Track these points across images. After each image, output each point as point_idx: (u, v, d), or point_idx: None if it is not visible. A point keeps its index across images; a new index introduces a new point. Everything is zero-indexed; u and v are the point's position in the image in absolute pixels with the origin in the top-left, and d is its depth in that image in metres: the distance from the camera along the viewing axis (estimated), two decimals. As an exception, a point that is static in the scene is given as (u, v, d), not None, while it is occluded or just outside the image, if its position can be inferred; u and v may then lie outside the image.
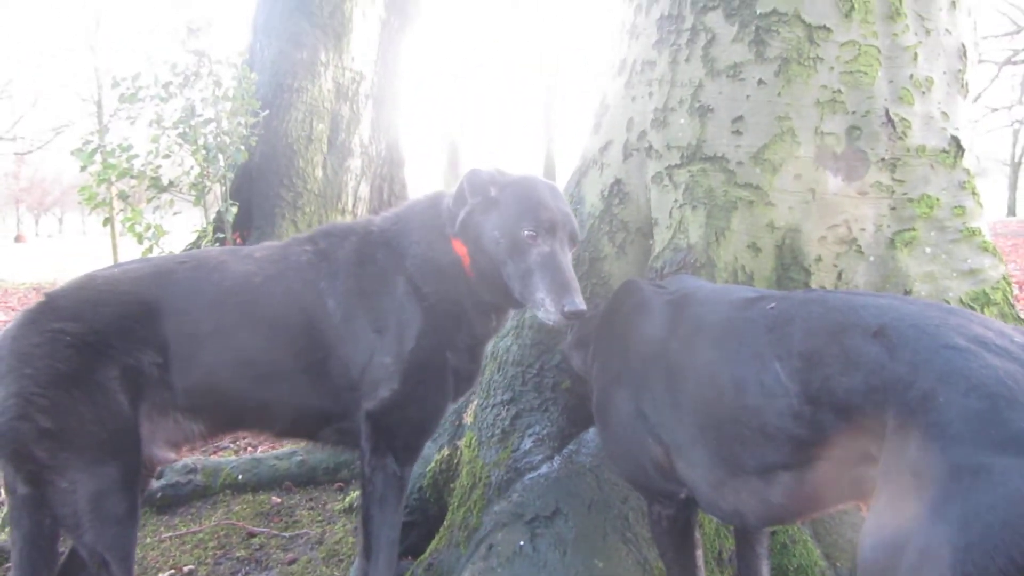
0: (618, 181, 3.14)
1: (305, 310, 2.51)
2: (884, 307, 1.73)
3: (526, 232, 2.35)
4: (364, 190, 9.58)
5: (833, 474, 1.78)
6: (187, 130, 7.78)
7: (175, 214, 8.55)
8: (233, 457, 4.57)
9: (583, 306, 2.26)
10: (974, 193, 2.88)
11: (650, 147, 3.01)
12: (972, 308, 2.79)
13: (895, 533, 1.45)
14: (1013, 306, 2.88)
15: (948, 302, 2.77)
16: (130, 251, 9.18)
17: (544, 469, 2.83)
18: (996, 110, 30.01)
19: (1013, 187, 37.07)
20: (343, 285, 2.54)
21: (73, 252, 30.30)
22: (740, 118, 2.78)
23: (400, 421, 2.53)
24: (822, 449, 1.76)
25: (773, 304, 1.96)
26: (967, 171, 2.85)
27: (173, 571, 3.39)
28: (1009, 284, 2.92)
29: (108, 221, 8.74)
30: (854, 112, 2.72)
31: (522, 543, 2.56)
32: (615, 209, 3.13)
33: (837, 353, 1.71)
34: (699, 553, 2.32)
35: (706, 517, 2.56)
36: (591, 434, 2.87)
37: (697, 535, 2.32)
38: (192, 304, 2.48)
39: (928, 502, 1.40)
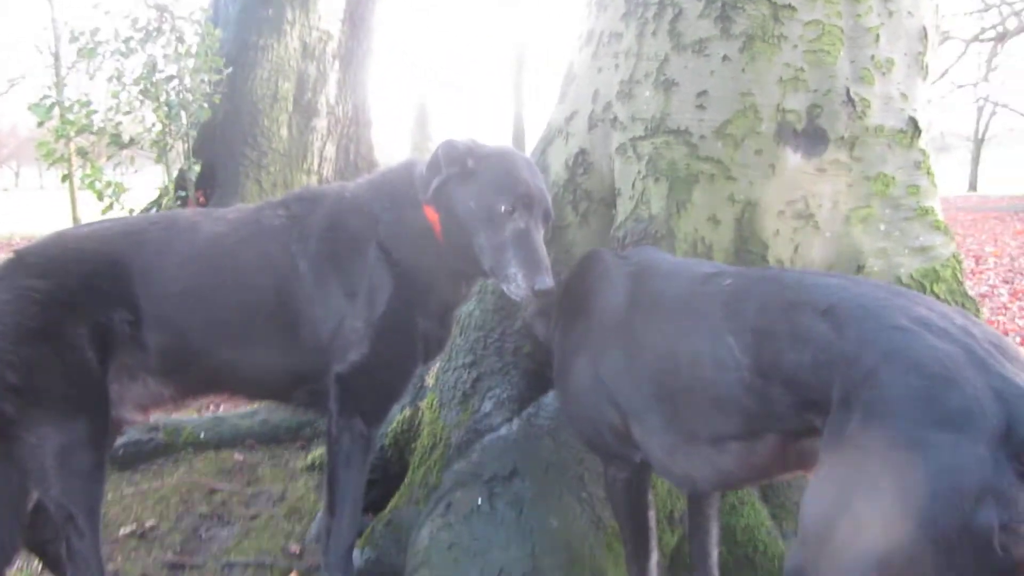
0: (583, 151, 3.18)
1: (277, 273, 2.53)
2: (834, 287, 1.80)
3: (503, 207, 2.34)
4: (330, 150, 9.52)
5: (781, 445, 1.86)
6: (148, 86, 7.66)
7: (136, 171, 8.43)
8: (195, 416, 4.59)
9: (552, 284, 2.30)
10: (929, 173, 2.96)
11: (615, 118, 3.05)
12: (922, 284, 2.89)
13: (833, 503, 1.52)
14: (961, 283, 2.98)
15: (899, 278, 2.87)
16: (89, 208, 9.04)
17: (503, 431, 2.90)
18: (962, 87, 30.38)
19: (976, 162, 37.65)
20: (314, 248, 2.56)
21: (30, 207, 29.67)
22: (704, 92, 2.83)
23: (369, 384, 2.57)
24: (771, 421, 1.83)
25: (730, 280, 2.03)
26: (923, 151, 2.94)
27: (135, 526, 3.42)
28: (959, 262, 3.02)
29: (67, 177, 8.59)
30: (816, 90, 2.78)
31: (480, 502, 2.63)
32: (579, 179, 3.18)
33: (787, 329, 1.78)
34: (652, 514, 2.41)
35: (659, 479, 2.64)
36: (550, 398, 2.93)
37: (650, 496, 2.41)
38: (163, 264, 2.49)
39: (866, 474, 1.47)
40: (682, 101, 2.86)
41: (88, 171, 7.48)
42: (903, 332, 1.58)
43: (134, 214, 7.57)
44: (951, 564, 1.38)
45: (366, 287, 2.54)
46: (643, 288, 2.27)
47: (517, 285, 2.32)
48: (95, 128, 7.66)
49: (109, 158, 8.21)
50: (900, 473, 1.43)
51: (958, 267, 3.01)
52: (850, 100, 2.78)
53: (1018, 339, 6.48)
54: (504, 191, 2.37)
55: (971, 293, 3.02)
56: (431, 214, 2.50)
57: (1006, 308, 7.83)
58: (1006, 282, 9.44)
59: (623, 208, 2.99)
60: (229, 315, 2.54)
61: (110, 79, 7.80)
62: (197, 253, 2.54)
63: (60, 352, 2.33)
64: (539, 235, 2.41)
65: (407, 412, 3.50)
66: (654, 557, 2.40)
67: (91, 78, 9.09)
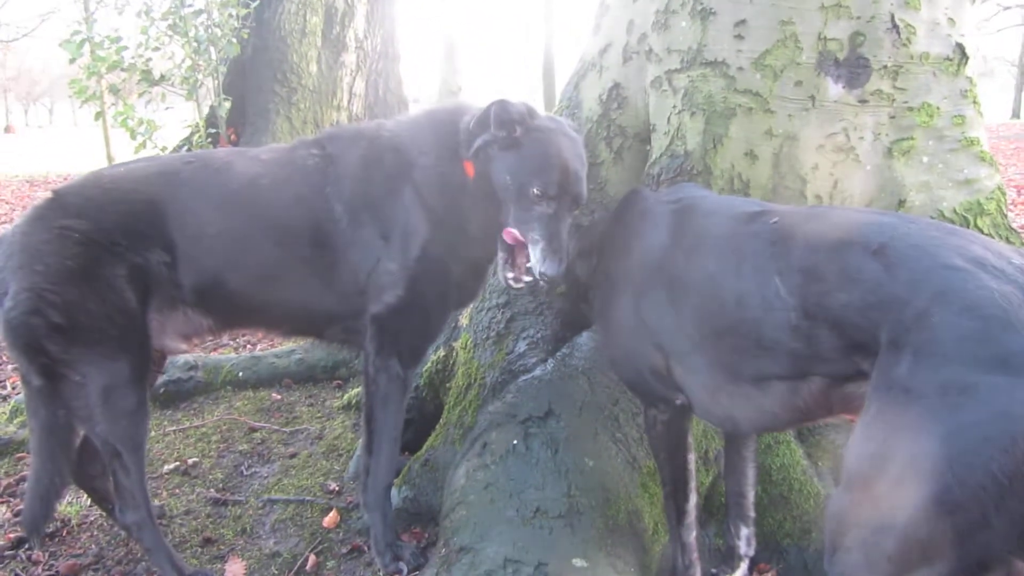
0: (617, 85, 3.10)
1: (313, 214, 2.53)
2: (886, 225, 1.75)
3: (535, 190, 2.32)
4: (359, 86, 9.42)
5: (826, 388, 1.84)
6: (177, 21, 7.61)
7: (167, 108, 8.43)
8: (233, 355, 4.67)
9: (558, 272, 2.30)
10: (975, 102, 2.85)
11: (650, 50, 2.96)
12: (966, 218, 2.81)
13: (881, 445, 1.50)
14: (1005, 216, 2.89)
15: (942, 212, 2.78)
16: (123, 145, 9.09)
17: (537, 371, 2.90)
18: (1008, 8, 29.19)
19: (1019, 89, 36.37)
20: (349, 189, 2.54)
21: (65, 144, 29.93)
22: (743, 22, 2.73)
23: (404, 326, 2.59)
24: (817, 363, 1.80)
25: (776, 219, 1.98)
26: (969, 79, 2.82)
27: (178, 463, 3.50)
28: (1003, 194, 2.92)
29: (100, 115, 8.62)
30: (859, 17, 2.67)
31: (515, 442, 2.65)
32: (613, 114, 3.10)
33: (836, 269, 1.74)
34: (691, 457, 2.40)
35: (694, 419, 2.64)
36: (584, 338, 2.92)
37: (690, 439, 2.40)
38: (198, 205, 2.50)
39: (916, 417, 1.44)
40: (719, 31, 2.77)
41: (120, 108, 7.49)
42: (957, 272, 1.54)
43: (167, 152, 7.61)
44: (1002, 511, 1.35)
45: (400, 230, 2.53)
46: (685, 227, 2.23)
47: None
48: (126, 64, 7.64)
49: (140, 95, 8.22)
50: (952, 417, 1.40)
51: (1003, 200, 2.92)
52: (895, 27, 2.67)
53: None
54: (541, 173, 2.33)
55: (1013, 226, 2.93)
56: (470, 168, 2.47)
57: (1051, 237, 7.63)
58: (1050, 211, 9.19)
59: (658, 144, 2.92)
60: (264, 256, 2.55)
61: (139, 14, 7.75)
62: (231, 195, 2.54)
63: (100, 292, 2.36)
64: (566, 221, 2.38)
65: (441, 352, 3.51)
66: (693, 499, 2.40)
67: (120, 13, 9.04)
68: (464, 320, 3.41)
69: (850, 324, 1.69)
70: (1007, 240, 2.82)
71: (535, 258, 2.32)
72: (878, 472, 1.49)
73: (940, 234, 1.68)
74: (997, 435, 1.35)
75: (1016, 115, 34.15)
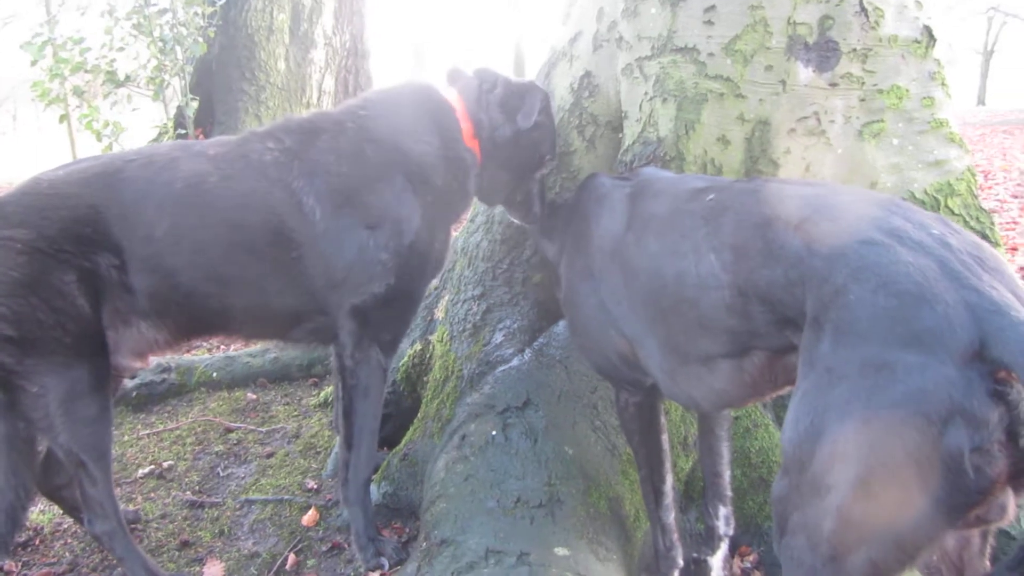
0: (588, 74, 3.09)
1: (274, 211, 2.47)
2: (809, 198, 1.76)
3: (548, 156, 2.78)
4: (329, 83, 9.33)
5: (768, 362, 1.84)
6: (141, 21, 7.47)
7: (134, 110, 8.29)
8: (207, 356, 4.61)
9: None
10: (943, 84, 2.87)
11: (620, 38, 2.95)
12: (936, 199, 2.82)
13: (810, 427, 1.50)
14: (976, 197, 2.91)
15: (913, 193, 2.80)
16: (89, 148, 8.95)
17: (515, 362, 2.89)
18: (971, -3, 29.61)
19: (984, 76, 36.87)
20: (325, 183, 2.50)
21: (30, 149, 29.46)
22: (712, 8, 2.72)
23: (388, 314, 2.59)
24: (755, 339, 1.81)
25: (713, 195, 1.99)
26: (937, 61, 2.84)
27: (153, 466, 3.45)
28: (973, 175, 2.95)
29: (64, 118, 8.47)
30: (827, 1, 2.67)
31: (494, 433, 2.64)
32: (585, 102, 3.09)
33: (761, 246, 1.75)
34: (664, 437, 2.41)
35: (672, 404, 2.64)
36: (560, 327, 2.91)
37: (662, 420, 2.41)
38: (143, 205, 2.42)
39: (838, 397, 1.46)
40: (689, 17, 2.76)
41: (85, 111, 7.36)
42: (874, 247, 1.54)
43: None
44: (923, 488, 1.36)
45: (391, 218, 2.52)
46: (637, 209, 2.24)
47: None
48: (89, 66, 7.51)
49: (106, 97, 8.08)
50: (871, 398, 1.41)
51: (972, 181, 2.94)
52: (863, 10, 2.68)
53: (1030, 253, 6.42)
54: (553, 147, 2.81)
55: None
56: (473, 143, 2.65)
57: (1015, 223, 7.73)
58: (1015, 196, 9.30)
59: (630, 131, 2.92)
60: (217, 256, 2.49)
61: (102, 14, 7.61)
62: (178, 194, 2.45)
63: (50, 300, 2.30)
64: None
65: (418, 346, 3.49)
66: (669, 480, 2.40)
67: (82, 14, 8.89)
68: (440, 313, 3.39)
69: (777, 300, 1.70)
70: (977, 220, 2.84)
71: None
72: (809, 455, 1.50)
73: (862, 206, 1.69)
74: (911, 415, 1.36)
75: (981, 102, 34.59)
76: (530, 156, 2.73)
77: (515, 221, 2.91)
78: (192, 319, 2.58)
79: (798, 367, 1.60)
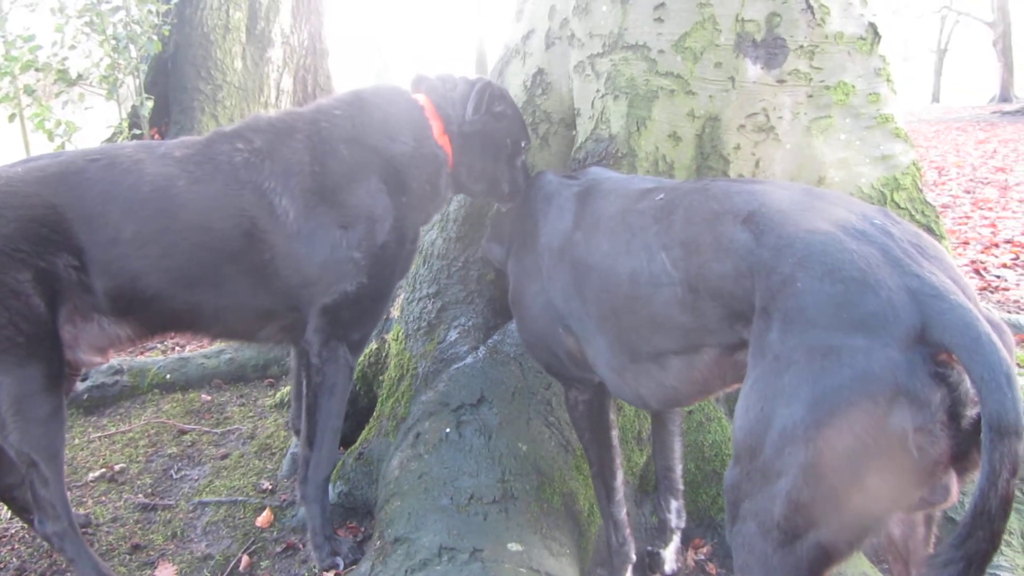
0: (540, 71, 3.10)
1: (244, 213, 2.44)
2: (756, 193, 1.78)
3: (523, 142, 2.81)
4: (287, 82, 9.25)
5: (718, 359, 1.86)
6: (94, 18, 7.35)
7: (87, 109, 8.15)
8: (160, 357, 4.54)
9: None
10: (888, 80, 2.92)
11: (572, 35, 2.96)
12: (883, 193, 2.87)
13: (759, 414, 1.52)
14: (921, 190, 2.97)
15: (860, 188, 2.85)
16: (41, 148, 8.78)
17: (469, 359, 2.88)
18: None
19: (938, 74, 37.56)
20: (298, 183, 2.48)
21: (-18, 151, 28.85)
22: (662, 5, 2.74)
23: (358, 313, 2.58)
24: (705, 335, 1.83)
25: (662, 195, 2.01)
26: (883, 58, 2.88)
27: (104, 469, 3.40)
28: (918, 169, 3.00)
29: (14, 117, 8.30)
30: (774, -2, 2.71)
31: (448, 430, 2.63)
32: (538, 100, 3.10)
33: (711, 241, 1.77)
34: (614, 433, 2.42)
35: (626, 400, 2.66)
36: (515, 324, 2.91)
37: (612, 417, 2.42)
38: (108, 208, 2.37)
39: (787, 383, 1.48)
40: (639, 14, 2.78)
41: (37, 110, 7.22)
42: (819, 236, 1.57)
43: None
44: (870, 468, 1.39)
45: (365, 217, 2.52)
46: (586, 209, 2.25)
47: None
48: (40, 64, 7.36)
49: (58, 96, 7.93)
50: (818, 382, 1.43)
51: (918, 175, 2.99)
52: (809, 7, 2.71)
53: (980, 247, 6.55)
54: (524, 133, 2.83)
55: (934, 203, 3.01)
56: (446, 144, 2.69)
57: (968, 217, 7.89)
58: (968, 192, 9.50)
59: (583, 128, 2.93)
60: (186, 260, 2.45)
61: (52, 11, 7.47)
62: (145, 196, 2.41)
63: (3, 299, 2.25)
64: None
65: (374, 345, 3.47)
66: (620, 476, 2.42)
67: (32, 10, 8.71)
68: (396, 312, 3.38)
69: (727, 293, 1.72)
70: (923, 214, 2.89)
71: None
72: (760, 441, 1.51)
73: (806, 198, 1.73)
74: (858, 397, 1.39)
75: (936, 99, 35.21)
76: (502, 144, 2.75)
77: (469, 220, 2.93)
78: (157, 318, 2.55)
79: (748, 358, 1.62)
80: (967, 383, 1.38)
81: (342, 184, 2.52)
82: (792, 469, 1.45)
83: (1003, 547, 2.37)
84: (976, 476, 1.33)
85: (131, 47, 7.49)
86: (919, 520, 1.78)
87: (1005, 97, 26.84)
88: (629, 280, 1.96)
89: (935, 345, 1.38)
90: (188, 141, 2.61)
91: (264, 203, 2.45)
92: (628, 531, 2.44)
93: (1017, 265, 6.00)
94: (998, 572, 2.31)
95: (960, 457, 1.42)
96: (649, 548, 2.54)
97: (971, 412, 1.39)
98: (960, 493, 1.51)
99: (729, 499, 1.63)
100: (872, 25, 2.83)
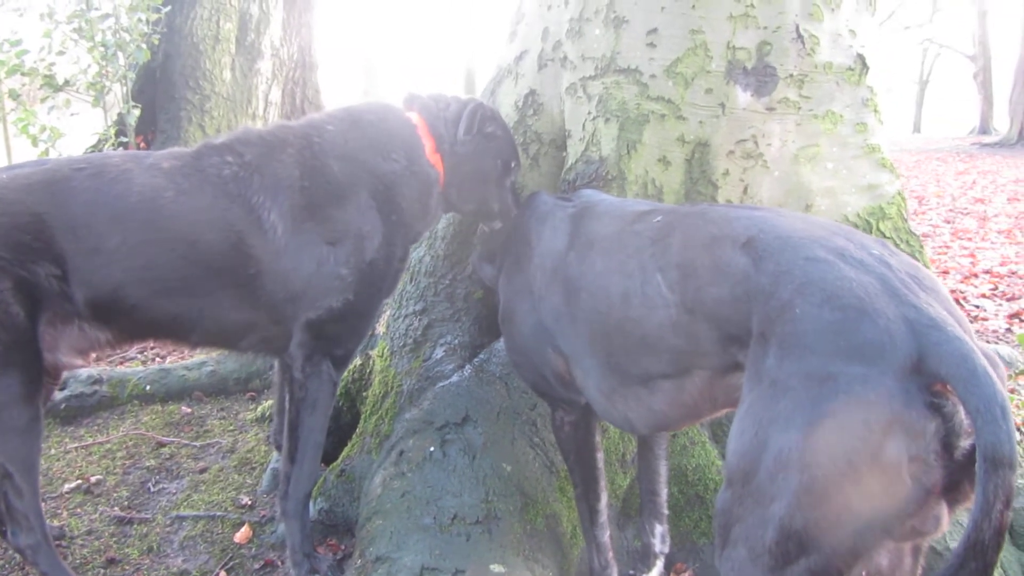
0: (532, 92, 3.12)
1: (232, 228, 2.42)
2: (756, 219, 1.79)
3: (514, 163, 2.80)
4: (275, 94, 9.24)
5: (709, 382, 1.87)
6: (83, 25, 7.32)
7: (72, 115, 8.11)
8: (140, 368, 4.50)
9: None
10: (876, 110, 2.95)
11: (565, 58, 2.98)
12: (869, 222, 2.90)
13: (754, 439, 1.52)
14: (906, 221, 3.00)
15: (846, 217, 2.87)
16: (25, 153, 8.72)
17: (455, 378, 2.88)
18: (908, 28, 30.64)
19: (920, 105, 38.11)
20: (288, 199, 2.47)
21: (-37, 154, 28.59)
22: (654, 30, 2.77)
23: (343, 329, 2.56)
24: (698, 358, 1.83)
25: (659, 217, 2.02)
26: (870, 88, 2.92)
27: (80, 481, 3.35)
28: (903, 199, 3.04)
29: (-1, 122, 8.24)
30: (765, 27, 2.74)
31: (432, 449, 2.62)
32: (529, 120, 3.12)
33: (708, 264, 1.78)
34: (599, 456, 2.42)
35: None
36: (501, 344, 2.91)
37: (597, 439, 2.42)
38: (93, 218, 2.35)
39: (783, 409, 1.48)
40: (632, 39, 2.80)
41: (21, 115, 7.17)
42: (818, 263, 1.58)
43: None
44: (864, 496, 1.40)
45: (353, 234, 2.50)
46: (580, 229, 2.26)
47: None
48: (27, 69, 7.32)
49: (43, 101, 7.88)
50: (812, 409, 1.44)
51: (903, 205, 3.03)
52: (799, 36, 2.75)
53: (959, 277, 6.63)
54: (515, 153, 2.83)
55: (917, 233, 3.04)
56: (438, 163, 2.67)
57: (947, 247, 7.99)
58: (948, 222, 9.62)
59: (573, 150, 2.94)
60: (170, 272, 2.42)
61: (41, 17, 7.44)
62: (131, 208, 2.38)
63: None
64: None
65: (358, 361, 3.46)
66: (604, 498, 2.41)
67: (21, 15, 8.67)
68: (381, 328, 3.37)
69: (723, 317, 1.73)
70: (907, 243, 2.92)
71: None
72: (754, 466, 1.52)
73: (805, 226, 1.74)
74: (853, 424, 1.40)
75: (917, 129, 35.71)
76: (493, 164, 2.74)
77: (457, 238, 2.92)
78: (138, 326, 2.53)
79: (744, 382, 1.63)
80: (961, 414, 1.39)
81: (332, 200, 2.51)
82: (785, 494, 1.45)
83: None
84: (966, 507, 1.34)
85: (119, 55, 7.47)
86: (907, 550, 1.78)
87: (985, 129, 27.28)
88: (622, 301, 1.96)
89: (931, 375, 1.39)
90: (177, 152, 2.59)
91: (252, 218, 2.44)
92: (611, 554, 2.43)
93: (996, 295, 6.07)
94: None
95: (952, 488, 1.43)
96: (631, 572, 2.54)
97: (964, 443, 1.40)
98: (950, 521, 1.51)
99: (719, 523, 1.62)
100: (860, 56, 2.86)
